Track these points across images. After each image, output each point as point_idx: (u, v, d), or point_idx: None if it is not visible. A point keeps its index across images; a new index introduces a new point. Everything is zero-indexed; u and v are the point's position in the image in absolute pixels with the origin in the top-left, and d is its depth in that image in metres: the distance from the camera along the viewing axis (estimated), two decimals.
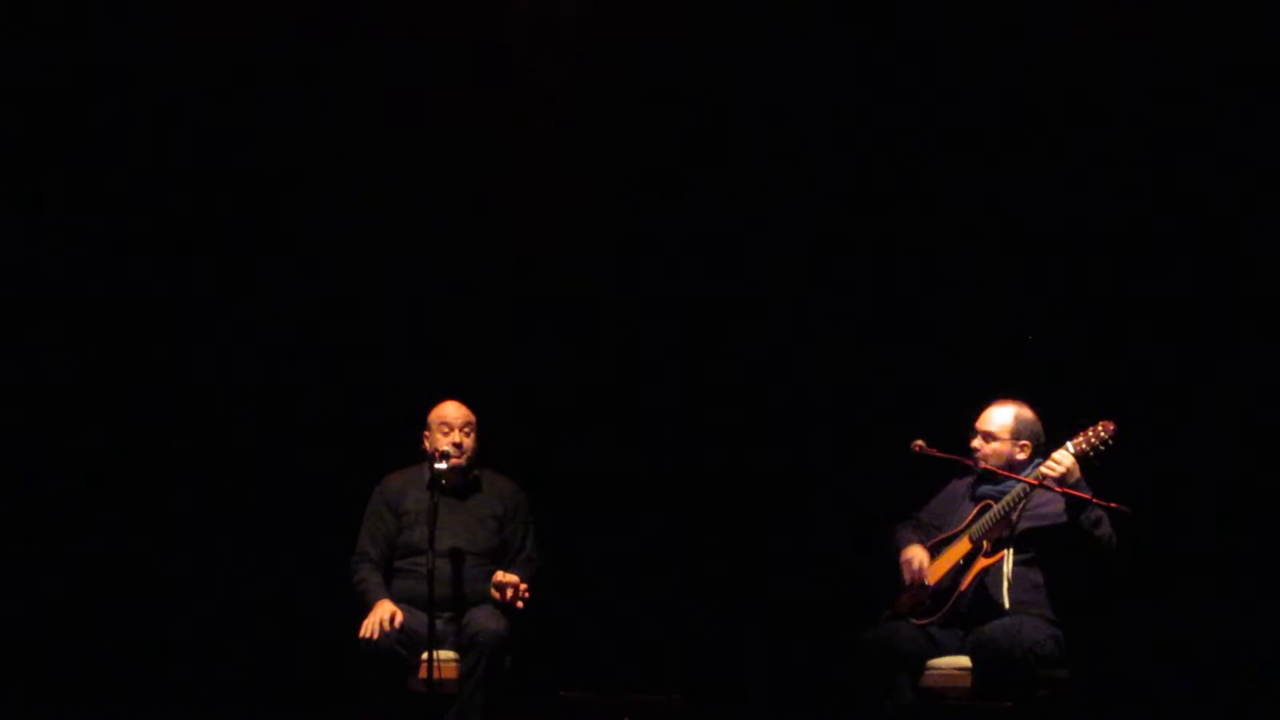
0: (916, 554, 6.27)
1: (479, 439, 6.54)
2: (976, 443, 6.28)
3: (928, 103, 7.06)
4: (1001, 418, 6.29)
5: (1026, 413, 6.30)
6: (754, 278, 7.23)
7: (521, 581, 6.36)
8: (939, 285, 7.11)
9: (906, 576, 6.26)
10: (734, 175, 7.20)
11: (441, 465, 6.29)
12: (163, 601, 7.15)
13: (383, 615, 6.23)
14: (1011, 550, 6.15)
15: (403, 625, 6.23)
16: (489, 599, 6.38)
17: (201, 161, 7.21)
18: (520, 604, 6.33)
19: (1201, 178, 6.87)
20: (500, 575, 6.37)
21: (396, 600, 6.33)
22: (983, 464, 6.24)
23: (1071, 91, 6.95)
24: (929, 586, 6.20)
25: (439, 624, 6.20)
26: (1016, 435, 6.27)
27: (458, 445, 6.44)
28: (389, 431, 6.85)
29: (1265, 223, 6.82)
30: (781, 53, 7.09)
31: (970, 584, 6.14)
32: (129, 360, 7.22)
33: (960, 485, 6.44)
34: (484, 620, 6.27)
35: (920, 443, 6.26)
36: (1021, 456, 6.25)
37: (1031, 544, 6.16)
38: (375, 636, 6.19)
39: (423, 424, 6.55)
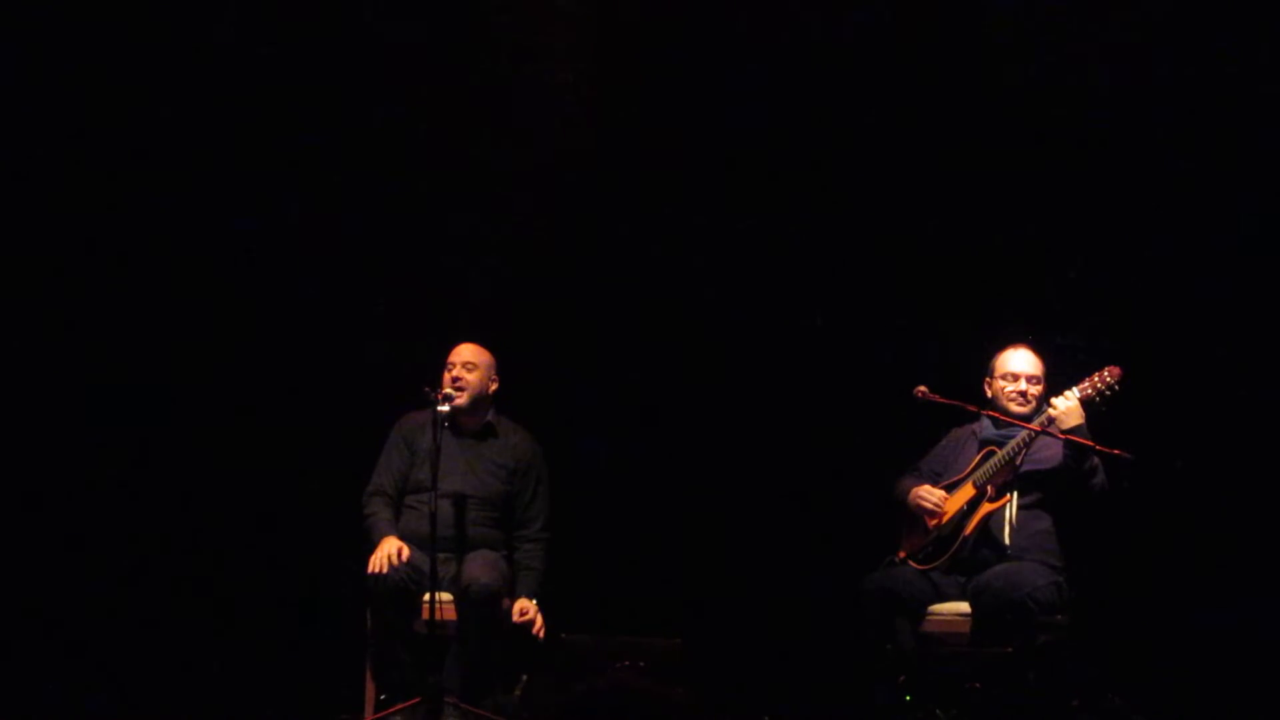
0: (930, 490, 6.33)
1: (497, 386, 6.60)
2: (1021, 386, 6.29)
3: None
4: (1034, 360, 6.34)
5: None
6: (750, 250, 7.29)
7: (534, 612, 6.37)
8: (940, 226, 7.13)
9: (929, 505, 6.30)
10: None
11: (444, 408, 6.31)
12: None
13: (389, 550, 6.25)
14: (1015, 495, 6.21)
15: (409, 559, 6.26)
16: (488, 543, 6.42)
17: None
18: (540, 633, 6.38)
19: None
20: (517, 613, 6.36)
21: (402, 536, 6.35)
22: (1020, 409, 6.26)
23: None
24: (942, 524, 6.25)
25: (439, 565, 6.22)
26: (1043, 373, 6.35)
27: (455, 380, 6.47)
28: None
29: None
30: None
31: (974, 529, 6.20)
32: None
33: (961, 433, 6.50)
34: (476, 572, 6.28)
35: (923, 389, 6.30)
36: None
37: (1035, 488, 6.21)
38: (384, 571, 6.22)
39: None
